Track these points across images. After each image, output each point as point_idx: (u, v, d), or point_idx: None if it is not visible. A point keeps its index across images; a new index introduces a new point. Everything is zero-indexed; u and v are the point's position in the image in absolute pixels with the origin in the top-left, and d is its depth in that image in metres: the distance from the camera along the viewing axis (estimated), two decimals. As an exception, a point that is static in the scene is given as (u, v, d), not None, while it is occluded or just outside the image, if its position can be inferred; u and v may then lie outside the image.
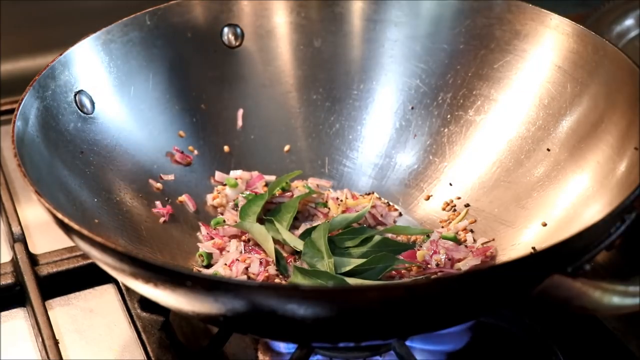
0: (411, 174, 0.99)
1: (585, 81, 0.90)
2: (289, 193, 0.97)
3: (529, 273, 0.69)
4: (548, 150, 0.91)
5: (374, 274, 0.86)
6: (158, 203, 0.94)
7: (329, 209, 0.96)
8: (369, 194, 0.99)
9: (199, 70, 1.01)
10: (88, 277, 0.93)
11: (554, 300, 0.70)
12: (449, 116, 0.99)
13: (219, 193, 0.97)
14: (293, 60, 1.03)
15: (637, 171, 0.78)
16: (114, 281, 0.94)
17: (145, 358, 0.85)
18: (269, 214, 0.94)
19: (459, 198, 0.96)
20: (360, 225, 0.93)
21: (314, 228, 0.90)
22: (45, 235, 0.99)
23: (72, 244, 0.79)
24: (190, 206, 0.96)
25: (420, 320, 0.72)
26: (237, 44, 1.02)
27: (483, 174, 0.96)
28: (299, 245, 0.89)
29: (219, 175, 0.99)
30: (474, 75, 0.98)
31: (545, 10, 0.94)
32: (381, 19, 1.02)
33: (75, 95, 0.91)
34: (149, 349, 0.85)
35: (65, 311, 0.91)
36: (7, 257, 0.96)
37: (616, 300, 0.68)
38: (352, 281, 0.85)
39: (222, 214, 0.96)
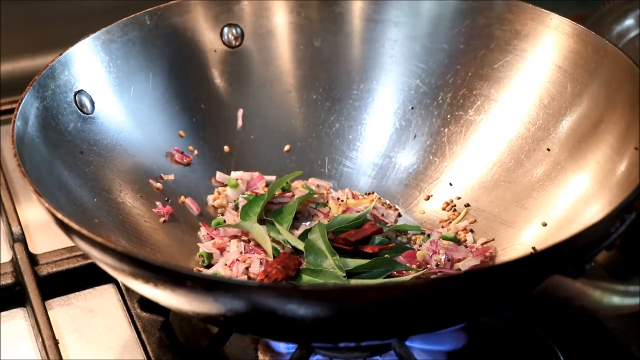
0: (411, 174, 0.99)
1: (585, 81, 0.90)
2: (289, 193, 0.97)
3: (529, 273, 0.69)
4: (548, 150, 0.91)
5: (374, 276, 0.86)
6: (158, 203, 0.94)
7: (330, 208, 0.96)
8: (369, 193, 0.99)
9: (199, 70, 1.01)
10: (88, 277, 0.93)
11: (554, 301, 0.70)
12: (449, 116, 0.99)
13: (219, 194, 0.98)
14: (293, 60, 1.03)
15: (637, 171, 0.78)
16: (114, 281, 0.94)
17: (145, 358, 0.85)
18: (270, 214, 0.94)
19: (459, 198, 0.96)
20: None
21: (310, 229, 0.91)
22: (45, 235, 0.99)
23: (72, 244, 0.79)
24: (194, 209, 0.96)
25: (420, 320, 0.72)
26: (237, 44, 1.02)
27: (483, 174, 0.96)
28: (299, 245, 0.89)
29: (219, 175, 0.99)
30: (474, 75, 0.98)
31: (545, 10, 0.94)
32: (381, 19, 1.02)
33: (75, 95, 0.91)
34: (149, 349, 0.85)
35: (65, 311, 0.91)
36: (7, 257, 0.96)
37: (616, 300, 0.68)
38: (352, 281, 0.85)
39: (222, 214, 0.96)
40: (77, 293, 0.93)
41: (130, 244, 0.87)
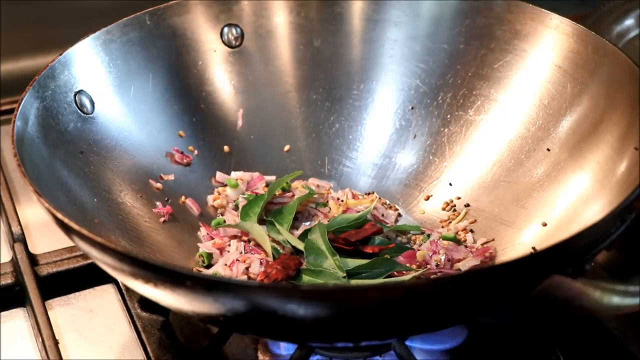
0: (411, 174, 0.99)
1: (585, 81, 0.90)
2: (289, 193, 0.97)
3: (529, 273, 0.69)
4: (548, 150, 0.91)
5: (374, 276, 0.86)
6: (158, 203, 0.94)
7: (330, 208, 0.96)
8: (369, 193, 0.99)
9: (199, 71, 1.01)
10: (88, 277, 0.93)
11: (554, 301, 0.70)
12: (449, 116, 0.99)
13: (219, 194, 0.97)
14: (293, 60, 1.03)
15: (637, 171, 0.78)
16: (114, 281, 0.94)
17: (145, 358, 0.85)
18: (270, 214, 0.94)
19: (459, 198, 0.96)
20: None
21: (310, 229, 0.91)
22: (45, 235, 0.99)
23: (72, 244, 0.79)
24: (195, 210, 0.95)
25: (420, 320, 0.72)
26: (237, 44, 1.02)
27: (483, 174, 0.96)
28: (299, 245, 0.89)
29: (219, 175, 0.99)
30: (474, 75, 0.98)
31: (545, 10, 0.94)
32: (381, 19, 1.02)
33: (75, 95, 0.91)
34: (149, 349, 0.85)
35: (65, 311, 0.91)
36: (7, 257, 0.96)
37: (616, 300, 0.68)
38: (352, 281, 0.85)
39: (222, 214, 0.96)
40: (77, 293, 0.93)
41: (130, 244, 0.87)
